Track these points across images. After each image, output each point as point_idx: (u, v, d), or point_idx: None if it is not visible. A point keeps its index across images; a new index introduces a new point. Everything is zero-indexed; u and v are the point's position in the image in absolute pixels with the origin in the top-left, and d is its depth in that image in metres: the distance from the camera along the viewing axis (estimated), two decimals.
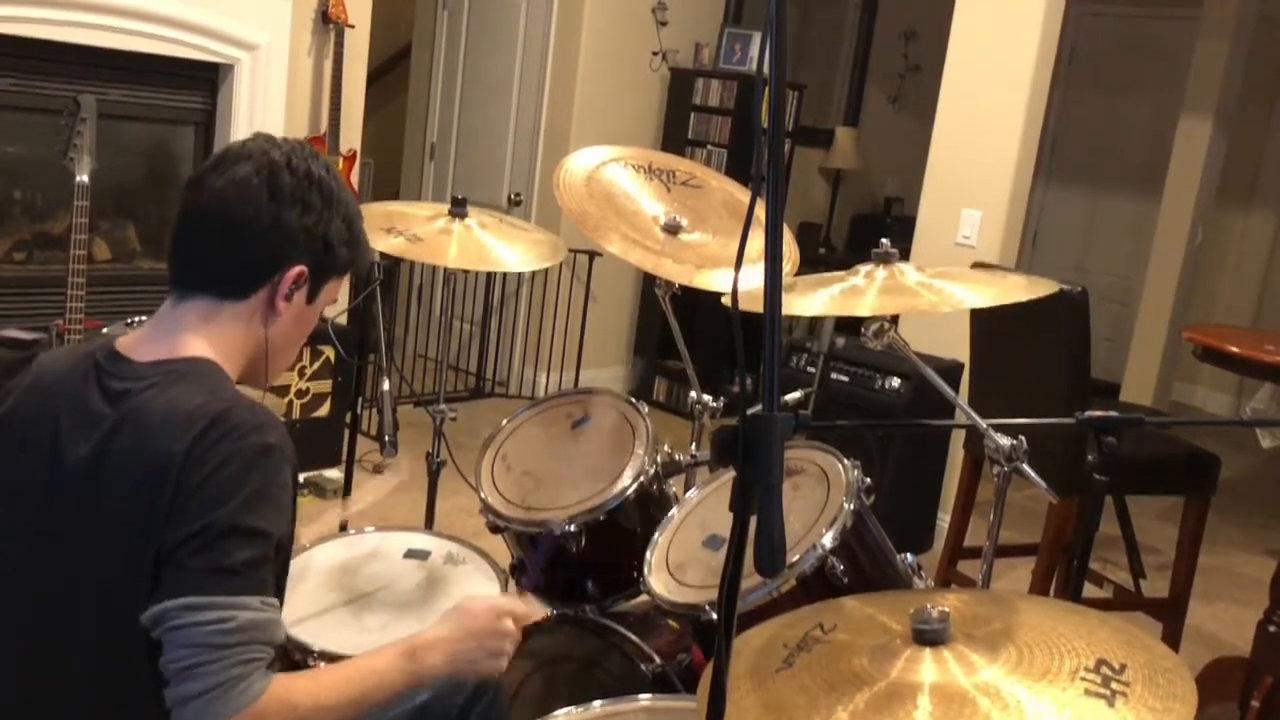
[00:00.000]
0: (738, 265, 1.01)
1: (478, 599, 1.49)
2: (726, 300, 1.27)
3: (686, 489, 2.23)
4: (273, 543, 1.24)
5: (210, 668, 1.16)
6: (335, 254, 1.41)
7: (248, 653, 1.18)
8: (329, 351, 3.88)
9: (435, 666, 1.38)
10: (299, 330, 1.44)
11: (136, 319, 2.55)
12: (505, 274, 5.47)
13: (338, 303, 2.20)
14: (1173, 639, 3.18)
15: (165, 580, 1.19)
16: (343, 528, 3.26)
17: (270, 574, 1.24)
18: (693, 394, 2.42)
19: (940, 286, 1.87)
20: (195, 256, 1.37)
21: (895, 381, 3.81)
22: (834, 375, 3.94)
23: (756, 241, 0.98)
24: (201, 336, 1.34)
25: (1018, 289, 1.88)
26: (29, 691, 1.29)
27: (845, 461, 1.87)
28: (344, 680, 1.30)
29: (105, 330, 2.81)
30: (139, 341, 1.35)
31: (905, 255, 2.00)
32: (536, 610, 1.56)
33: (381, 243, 2.34)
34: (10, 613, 1.30)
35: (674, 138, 5.60)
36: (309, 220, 1.36)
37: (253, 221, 1.34)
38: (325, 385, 4.04)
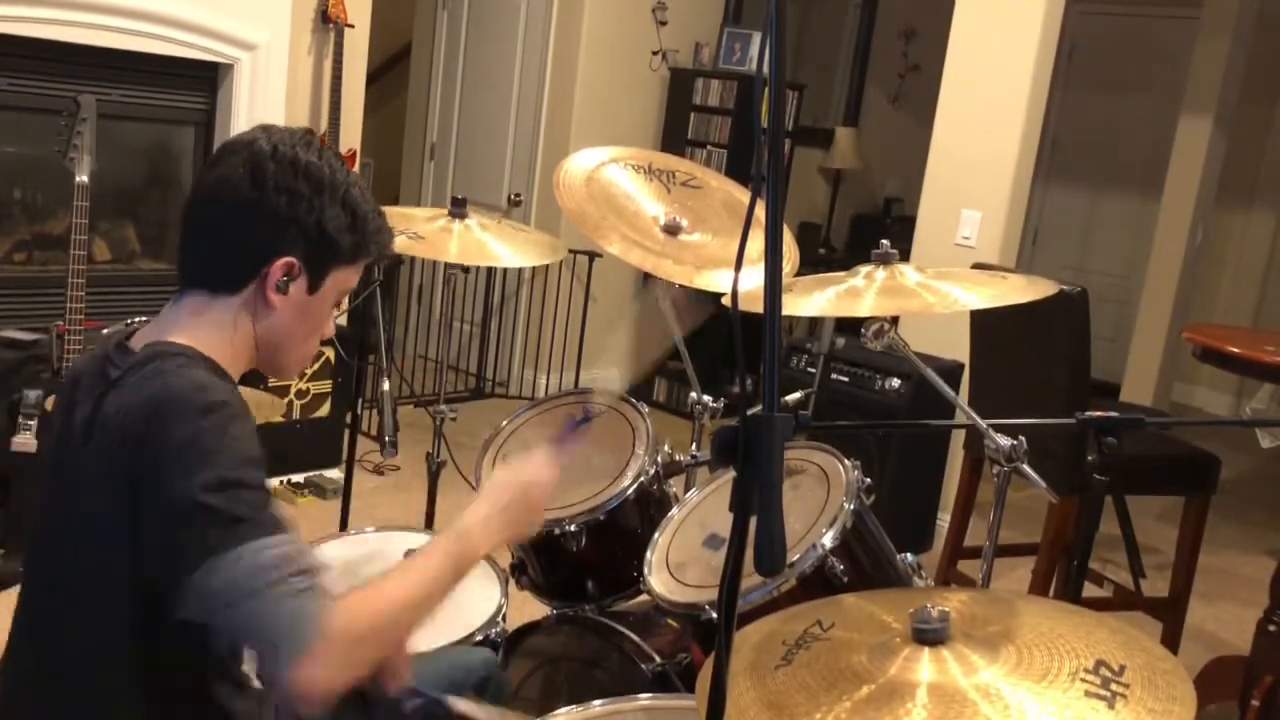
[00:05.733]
0: (737, 266, 1.01)
1: (502, 474, 1.53)
2: (726, 301, 1.27)
3: (686, 489, 2.23)
4: (259, 488, 1.22)
5: (266, 610, 1.15)
6: (333, 242, 1.37)
7: (296, 584, 1.17)
8: (329, 352, 3.89)
9: (479, 547, 1.42)
10: (306, 322, 1.41)
11: (136, 320, 2.55)
12: (505, 275, 5.47)
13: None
14: (1172, 638, 3.19)
15: (183, 554, 1.17)
16: (343, 527, 3.26)
17: (276, 516, 1.22)
18: (693, 394, 2.42)
19: (940, 287, 1.87)
20: (189, 251, 1.38)
21: (895, 382, 3.81)
22: (834, 376, 3.94)
23: (756, 242, 0.98)
24: (189, 328, 1.34)
25: (1017, 290, 1.88)
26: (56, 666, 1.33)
27: (845, 462, 1.88)
28: (400, 584, 1.30)
29: (105, 332, 2.81)
30: (143, 334, 1.37)
31: (905, 256, 1.99)
32: (557, 464, 1.56)
33: None
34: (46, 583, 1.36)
35: (674, 138, 5.60)
36: (297, 209, 1.33)
37: (234, 213, 1.33)
38: (325, 386, 4.05)
